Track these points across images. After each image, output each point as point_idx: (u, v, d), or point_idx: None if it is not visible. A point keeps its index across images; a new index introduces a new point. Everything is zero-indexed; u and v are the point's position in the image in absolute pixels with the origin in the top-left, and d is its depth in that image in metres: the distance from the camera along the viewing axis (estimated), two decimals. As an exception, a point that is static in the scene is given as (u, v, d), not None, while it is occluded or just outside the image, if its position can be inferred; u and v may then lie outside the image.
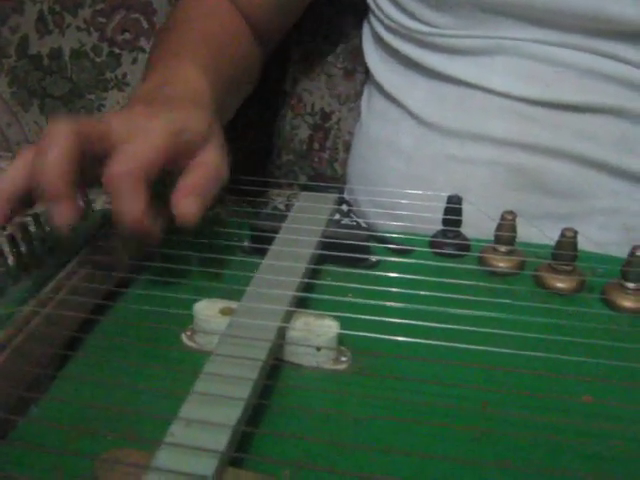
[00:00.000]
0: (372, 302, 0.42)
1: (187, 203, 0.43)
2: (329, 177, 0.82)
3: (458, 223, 0.51)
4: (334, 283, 0.46)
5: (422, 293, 0.43)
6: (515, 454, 0.35)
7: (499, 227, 0.49)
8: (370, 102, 0.72)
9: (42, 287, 0.42)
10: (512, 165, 0.60)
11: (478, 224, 0.49)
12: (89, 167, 0.42)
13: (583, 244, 0.47)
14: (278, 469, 0.33)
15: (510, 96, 0.59)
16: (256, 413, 0.36)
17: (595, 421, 0.37)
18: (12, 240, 0.43)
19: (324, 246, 0.48)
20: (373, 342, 0.40)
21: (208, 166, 0.45)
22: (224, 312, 0.41)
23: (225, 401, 0.34)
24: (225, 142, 0.49)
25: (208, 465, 0.31)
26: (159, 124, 0.44)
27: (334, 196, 0.54)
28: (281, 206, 0.78)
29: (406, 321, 0.40)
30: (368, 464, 0.34)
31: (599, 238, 0.56)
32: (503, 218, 0.49)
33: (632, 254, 0.45)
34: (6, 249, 0.43)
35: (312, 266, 0.46)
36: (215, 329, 0.40)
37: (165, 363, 0.40)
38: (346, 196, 0.56)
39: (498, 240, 0.49)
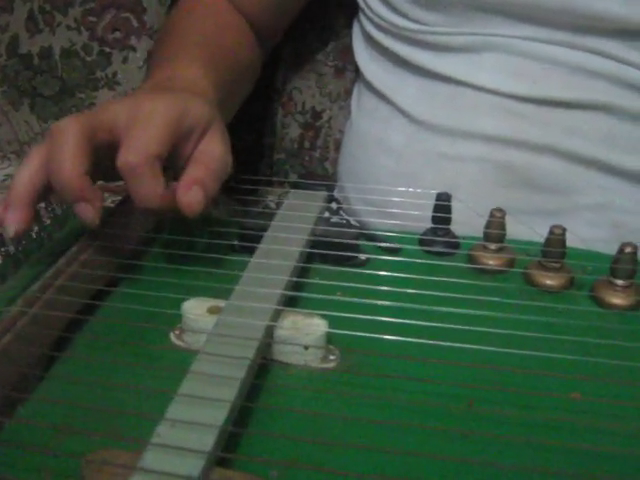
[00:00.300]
0: (361, 301, 0.42)
1: (192, 193, 0.43)
2: (320, 176, 0.82)
3: (447, 221, 0.51)
4: (323, 281, 0.46)
5: (411, 291, 0.43)
6: (503, 452, 0.35)
7: (488, 225, 0.49)
8: (360, 100, 0.72)
9: (29, 286, 0.41)
10: (501, 162, 0.60)
11: (468, 221, 0.49)
12: (101, 157, 0.42)
13: (572, 241, 0.47)
14: (266, 469, 0.33)
15: (499, 93, 0.59)
16: (243, 412, 0.35)
17: (583, 418, 0.37)
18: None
19: (313, 244, 0.48)
20: (362, 341, 0.39)
21: (212, 155, 0.45)
22: (212, 311, 0.41)
23: (212, 401, 0.34)
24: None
25: (195, 465, 0.30)
26: (162, 104, 0.44)
27: (323, 194, 0.53)
28: (272, 205, 0.78)
29: (395, 320, 0.40)
30: (356, 463, 0.34)
31: (588, 235, 0.56)
32: (492, 215, 0.49)
33: (621, 251, 0.45)
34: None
35: (301, 264, 0.46)
36: (203, 328, 0.40)
37: (154, 362, 0.40)
38: (336, 194, 0.56)
39: (487, 238, 0.49)
